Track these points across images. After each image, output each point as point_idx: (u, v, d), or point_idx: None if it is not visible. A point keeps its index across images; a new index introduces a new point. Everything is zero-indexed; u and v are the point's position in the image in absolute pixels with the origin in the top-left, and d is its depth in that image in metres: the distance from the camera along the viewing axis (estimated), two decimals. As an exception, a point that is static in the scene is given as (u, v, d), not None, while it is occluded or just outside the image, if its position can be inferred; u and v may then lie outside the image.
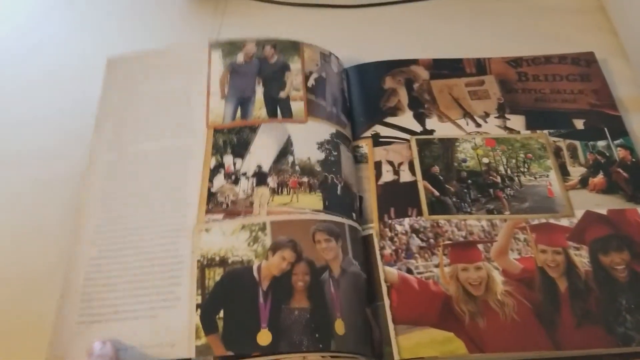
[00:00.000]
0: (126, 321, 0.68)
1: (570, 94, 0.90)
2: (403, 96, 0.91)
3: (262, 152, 0.81)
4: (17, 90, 1.01)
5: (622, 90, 0.91)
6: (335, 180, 0.77)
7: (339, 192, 0.77)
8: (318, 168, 0.78)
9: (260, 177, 0.79)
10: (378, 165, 0.82)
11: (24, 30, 1.11)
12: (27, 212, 0.85)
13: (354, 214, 0.77)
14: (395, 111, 0.90)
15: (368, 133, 0.86)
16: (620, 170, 0.80)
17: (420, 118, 0.89)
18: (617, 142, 0.83)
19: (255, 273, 0.69)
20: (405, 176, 0.81)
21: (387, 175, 0.83)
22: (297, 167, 0.79)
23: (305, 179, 0.78)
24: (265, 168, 0.80)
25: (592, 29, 1.02)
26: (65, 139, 0.92)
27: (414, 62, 0.96)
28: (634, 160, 0.81)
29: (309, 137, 0.82)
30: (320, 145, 0.80)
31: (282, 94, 0.87)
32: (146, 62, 0.92)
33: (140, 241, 0.74)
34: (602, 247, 0.72)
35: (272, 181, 0.79)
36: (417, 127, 0.87)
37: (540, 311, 0.69)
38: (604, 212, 0.76)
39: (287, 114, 0.85)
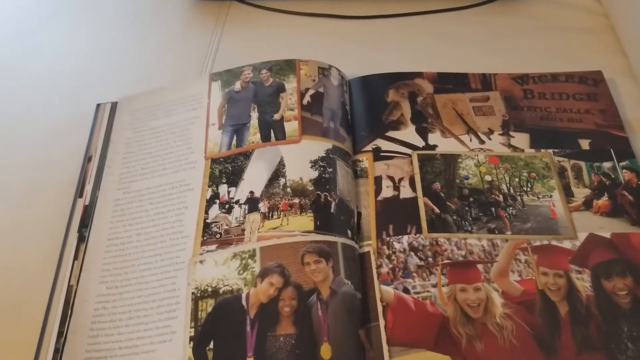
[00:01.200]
0: (129, 357, 0.69)
1: (576, 113, 0.88)
2: (406, 110, 0.90)
3: (254, 177, 0.82)
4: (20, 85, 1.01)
5: (630, 112, 0.89)
6: (328, 198, 0.77)
7: (332, 210, 0.77)
8: (310, 187, 0.78)
9: (252, 203, 0.80)
10: (378, 180, 0.81)
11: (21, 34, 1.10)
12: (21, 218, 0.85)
13: (349, 231, 0.76)
14: (397, 125, 0.89)
15: (369, 147, 0.85)
16: (626, 193, 0.78)
17: (422, 133, 0.88)
18: (623, 163, 0.81)
19: (243, 301, 0.70)
20: (406, 192, 0.80)
21: (387, 191, 0.81)
22: (288, 189, 0.79)
23: (296, 200, 0.78)
24: (257, 193, 0.80)
25: (601, 48, 1.00)
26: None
27: (419, 75, 0.95)
28: (639, 183, 0.79)
29: (302, 156, 0.82)
30: (314, 164, 0.80)
31: (276, 116, 0.87)
32: (152, 100, 0.95)
33: (142, 277, 0.76)
34: (605, 271, 0.71)
35: (263, 206, 0.79)
36: (420, 142, 0.86)
37: (540, 336, 0.67)
38: (607, 235, 0.74)
39: (281, 135, 0.85)
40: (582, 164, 0.82)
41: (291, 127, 0.85)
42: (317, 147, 0.83)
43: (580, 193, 0.79)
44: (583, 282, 0.70)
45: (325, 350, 0.65)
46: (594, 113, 0.88)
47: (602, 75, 0.93)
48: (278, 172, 0.81)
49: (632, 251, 0.73)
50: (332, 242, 0.73)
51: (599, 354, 0.66)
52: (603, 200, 0.78)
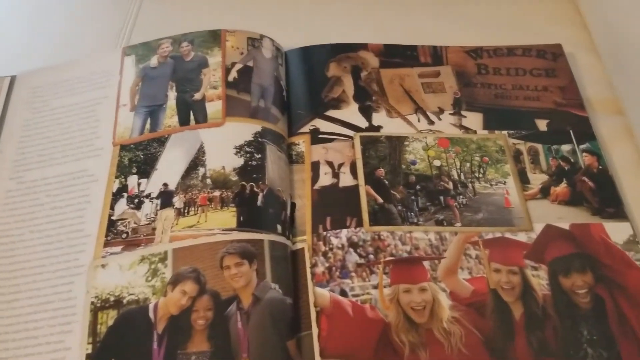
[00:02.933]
0: None
1: (533, 91, 0.82)
2: (348, 86, 0.83)
3: (169, 167, 0.73)
4: None
5: (591, 89, 0.83)
6: (255, 188, 0.71)
7: (259, 202, 0.70)
8: (234, 177, 0.72)
9: (166, 197, 0.71)
10: (315, 167, 0.75)
11: None
12: None
13: (279, 226, 0.69)
14: (338, 103, 0.81)
15: (306, 128, 0.79)
16: (586, 179, 0.74)
17: (366, 112, 0.80)
18: (583, 146, 0.76)
19: (151, 313, 0.62)
20: (346, 179, 0.74)
21: (325, 178, 0.74)
22: (208, 180, 0.72)
23: (216, 193, 0.71)
24: (172, 186, 0.72)
25: (561, 19, 0.93)
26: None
27: (363, 47, 0.86)
28: (600, 167, 0.75)
29: (226, 142, 0.74)
30: (239, 150, 0.73)
31: (197, 96, 0.78)
32: (55, 76, 0.83)
33: (34, 283, 0.66)
34: (563, 267, 0.66)
35: (178, 200, 0.71)
36: (363, 123, 0.79)
37: (492, 342, 0.62)
38: (566, 226, 0.69)
39: (202, 118, 0.77)
40: (539, 146, 0.77)
41: (214, 107, 0.77)
42: (244, 130, 0.75)
43: (537, 179, 0.74)
44: (539, 280, 0.66)
45: (245, 368, 0.59)
46: (552, 90, 0.82)
47: (561, 49, 0.86)
48: (197, 161, 0.73)
49: (593, 244, 0.67)
50: (258, 241, 0.66)
51: None
52: (561, 187, 0.73)
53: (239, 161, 0.72)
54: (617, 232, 0.68)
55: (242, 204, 0.69)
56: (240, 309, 0.62)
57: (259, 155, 0.73)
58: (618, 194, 0.72)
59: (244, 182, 0.71)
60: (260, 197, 0.70)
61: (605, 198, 0.71)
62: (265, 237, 0.66)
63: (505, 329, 0.63)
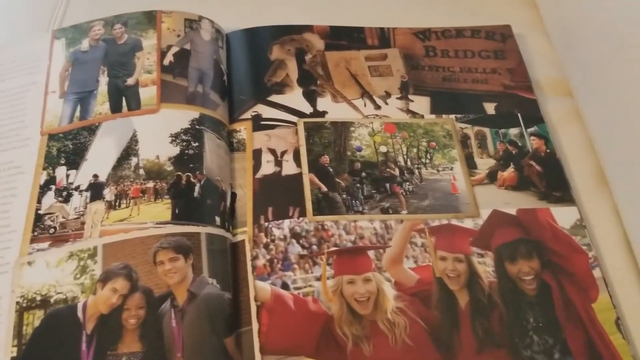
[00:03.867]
0: None
1: (482, 73, 0.80)
2: (292, 70, 0.80)
3: (100, 157, 0.70)
4: None
5: (540, 71, 0.81)
6: (192, 179, 0.68)
7: (196, 193, 0.67)
8: (169, 167, 0.69)
9: (96, 190, 0.68)
10: (257, 154, 0.72)
11: None
12: None
13: (217, 218, 0.66)
14: (282, 88, 0.78)
15: (248, 114, 0.76)
16: (533, 163, 0.73)
17: (311, 97, 0.77)
18: (531, 130, 0.76)
19: (79, 313, 0.59)
20: (289, 168, 0.72)
21: (268, 167, 0.71)
22: (141, 171, 0.68)
23: (150, 184, 0.67)
24: (103, 177, 0.68)
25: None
26: None
27: (308, 28, 0.83)
28: (548, 151, 0.74)
29: (161, 129, 0.70)
30: (175, 138, 0.70)
31: (130, 81, 0.74)
32: None
33: None
34: (509, 253, 0.65)
35: (109, 193, 0.67)
36: (307, 108, 0.77)
37: (437, 332, 0.61)
38: (513, 212, 0.68)
39: (135, 104, 0.73)
40: (487, 130, 0.76)
41: (148, 93, 0.73)
42: (180, 117, 0.71)
43: (484, 164, 0.73)
44: (485, 267, 0.65)
45: (180, 368, 0.56)
46: (501, 73, 0.80)
47: (510, 30, 0.84)
48: (129, 150, 0.70)
49: (539, 229, 0.66)
50: (194, 234, 0.64)
51: (501, 350, 0.60)
52: (509, 172, 0.72)
53: (175, 150, 0.69)
54: (564, 216, 0.67)
55: (178, 195, 0.67)
56: (174, 306, 0.60)
57: (197, 144, 0.70)
58: (565, 177, 0.71)
59: (179, 173, 0.68)
60: (197, 188, 0.67)
61: (552, 182, 0.71)
62: (202, 230, 0.64)
63: (451, 318, 0.62)
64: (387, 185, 0.71)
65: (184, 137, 0.70)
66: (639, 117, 0.69)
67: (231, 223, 0.67)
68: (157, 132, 0.70)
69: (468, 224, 0.67)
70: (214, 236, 0.64)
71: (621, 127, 0.70)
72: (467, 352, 0.59)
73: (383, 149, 0.73)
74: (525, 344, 0.60)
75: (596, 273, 0.64)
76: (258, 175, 0.70)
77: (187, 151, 0.69)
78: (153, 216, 0.64)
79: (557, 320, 0.61)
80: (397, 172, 0.72)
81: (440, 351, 0.59)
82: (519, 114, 0.76)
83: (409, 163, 0.73)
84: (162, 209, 0.65)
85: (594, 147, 0.73)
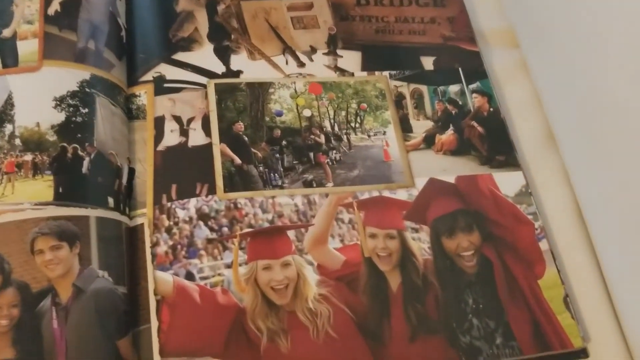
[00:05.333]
0: None
1: (419, 24, 0.75)
2: (202, 23, 0.73)
3: None
4: None
5: (484, 20, 0.76)
6: (79, 151, 0.61)
7: (84, 169, 0.61)
8: (52, 137, 0.62)
9: None
10: (160, 123, 0.66)
11: None
12: None
13: (110, 199, 0.60)
14: (189, 44, 0.71)
15: (149, 76, 0.69)
16: (475, 124, 0.68)
17: (223, 54, 0.71)
18: (473, 86, 0.71)
19: None
20: (197, 138, 0.66)
21: (172, 137, 0.65)
22: (17, 141, 0.61)
23: (28, 157, 0.60)
24: None
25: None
26: None
27: (222, -26, 0.77)
28: (492, 110, 0.69)
29: (42, 92, 0.63)
30: (60, 102, 0.63)
31: (6, 33, 0.66)
32: None
33: None
34: (446, 227, 0.60)
35: None
36: (219, 67, 0.70)
37: (364, 321, 0.56)
38: (451, 180, 0.64)
39: (11, 60, 0.65)
40: (424, 88, 0.71)
41: (27, 47, 0.65)
42: (67, 77, 0.64)
43: (421, 127, 0.69)
44: (420, 244, 0.60)
45: (62, 378, 0.52)
46: (440, 22, 0.75)
47: (452, -27, 0.79)
48: (3, 116, 0.62)
49: (480, 198, 0.62)
50: (82, 218, 0.58)
51: (437, 337, 0.56)
52: (447, 135, 0.68)
53: (59, 117, 0.62)
54: (507, 182, 0.63)
55: (62, 171, 0.60)
56: (56, 304, 0.54)
57: (86, 110, 0.63)
58: (510, 139, 0.67)
59: (64, 144, 0.61)
60: (86, 163, 0.60)
61: (495, 145, 0.67)
62: (92, 212, 0.58)
63: (381, 304, 0.57)
64: (311, 154, 0.66)
65: (70, 101, 0.63)
66: (592, 70, 0.66)
67: (127, 204, 0.61)
68: (38, 94, 0.62)
69: (401, 195, 0.63)
70: (106, 220, 0.58)
71: (572, 81, 0.66)
72: (399, 341, 0.55)
73: (307, 113, 0.68)
74: (463, 328, 0.56)
75: (543, 245, 0.60)
76: (160, 148, 0.64)
77: (74, 118, 0.62)
78: (31, 196, 0.58)
79: (499, 301, 0.57)
80: (322, 139, 0.67)
81: (368, 342, 0.55)
82: (459, 69, 0.72)
83: (336, 128, 0.68)
84: (43, 187, 0.58)
85: (541, 104, 0.68)
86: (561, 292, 0.57)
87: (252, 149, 0.65)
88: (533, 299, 0.57)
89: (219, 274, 0.58)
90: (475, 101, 0.69)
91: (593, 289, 0.58)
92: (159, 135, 0.64)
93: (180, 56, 0.70)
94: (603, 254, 0.59)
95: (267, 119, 0.66)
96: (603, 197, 0.61)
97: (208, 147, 0.64)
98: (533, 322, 0.56)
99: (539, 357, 0.55)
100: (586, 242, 0.61)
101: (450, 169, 0.64)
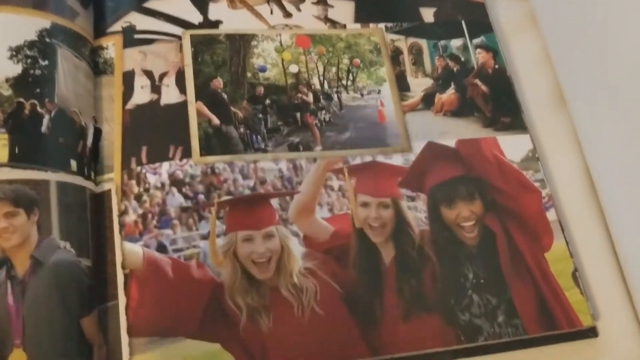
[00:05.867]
0: None
1: None
2: None
3: None
4: None
5: None
6: (39, 108, 0.59)
7: (44, 128, 0.59)
8: (6, 91, 0.59)
9: None
10: (129, 78, 0.63)
11: None
12: None
13: (73, 162, 0.58)
14: None
15: (118, 26, 0.66)
16: (478, 82, 0.66)
17: (200, 2, 0.68)
18: (477, 41, 0.69)
19: None
20: (170, 95, 0.63)
21: (142, 94, 0.63)
22: None
23: None
24: None
25: None
26: None
27: None
28: (497, 67, 0.67)
29: None
30: (16, 53, 0.60)
31: None
32: None
33: None
34: (445, 195, 0.58)
35: None
36: (196, 17, 0.68)
37: (354, 297, 0.54)
38: (452, 144, 0.61)
39: None
40: (424, 43, 0.69)
41: None
42: (24, 25, 0.61)
43: (419, 85, 0.67)
44: (416, 213, 0.58)
45: (18, 358, 0.50)
46: None
47: None
48: None
49: (483, 164, 0.60)
50: (40, 182, 0.56)
51: (433, 315, 0.53)
52: (448, 95, 0.66)
53: (15, 69, 0.59)
54: (513, 147, 0.62)
55: (18, 129, 0.58)
56: (11, 277, 0.53)
57: (46, 62, 0.61)
58: (516, 99, 0.65)
59: (21, 99, 0.59)
60: (45, 121, 0.59)
61: (500, 105, 0.65)
62: (52, 176, 0.56)
63: (372, 278, 0.55)
64: (298, 114, 0.64)
65: (28, 52, 0.60)
66: (608, 22, 0.63)
67: (93, 168, 0.59)
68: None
69: (397, 160, 0.61)
70: (68, 185, 0.57)
71: (585, 36, 0.63)
72: (391, 319, 0.53)
73: (293, 68, 0.66)
74: (462, 305, 0.54)
75: (550, 215, 0.58)
76: (129, 106, 0.62)
77: (32, 71, 0.60)
78: (-17, 156, 0.54)
79: (502, 275, 0.55)
80: (310, 97, 0.65)
81: (358, 320, 0.53)
82: (462, 21, 0.70)
83: (326, 86, 0.66)
84: (-4, 146, 0.56)
85: (551, 60, 0.66)
86: (570, 266, 0.56)
87: (232, 108, 0.63)
88: (539, 274, 0.55)
89: (194, 246, 0.57)
90: (479, 57, 0.68)
91: (604, 263, 0.57)
92: (128, 92, 0.62)
93: (152, 4, 0.68)
94: (615, 225, 0.57)
95: (249, 74, 0.65)
96: (616, 164, 0.59)
97: (182, 105, 0.62)
98: (538, 298, 0.54)
99: (545, 336, 0.52)
100: (597, 212, 0.60)
101: (451, 132, 0.63)
